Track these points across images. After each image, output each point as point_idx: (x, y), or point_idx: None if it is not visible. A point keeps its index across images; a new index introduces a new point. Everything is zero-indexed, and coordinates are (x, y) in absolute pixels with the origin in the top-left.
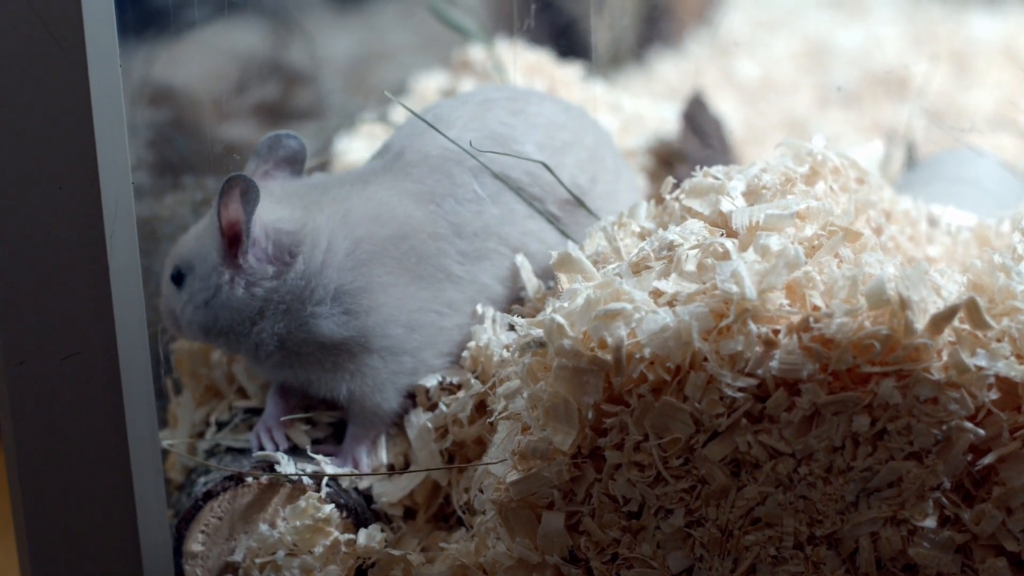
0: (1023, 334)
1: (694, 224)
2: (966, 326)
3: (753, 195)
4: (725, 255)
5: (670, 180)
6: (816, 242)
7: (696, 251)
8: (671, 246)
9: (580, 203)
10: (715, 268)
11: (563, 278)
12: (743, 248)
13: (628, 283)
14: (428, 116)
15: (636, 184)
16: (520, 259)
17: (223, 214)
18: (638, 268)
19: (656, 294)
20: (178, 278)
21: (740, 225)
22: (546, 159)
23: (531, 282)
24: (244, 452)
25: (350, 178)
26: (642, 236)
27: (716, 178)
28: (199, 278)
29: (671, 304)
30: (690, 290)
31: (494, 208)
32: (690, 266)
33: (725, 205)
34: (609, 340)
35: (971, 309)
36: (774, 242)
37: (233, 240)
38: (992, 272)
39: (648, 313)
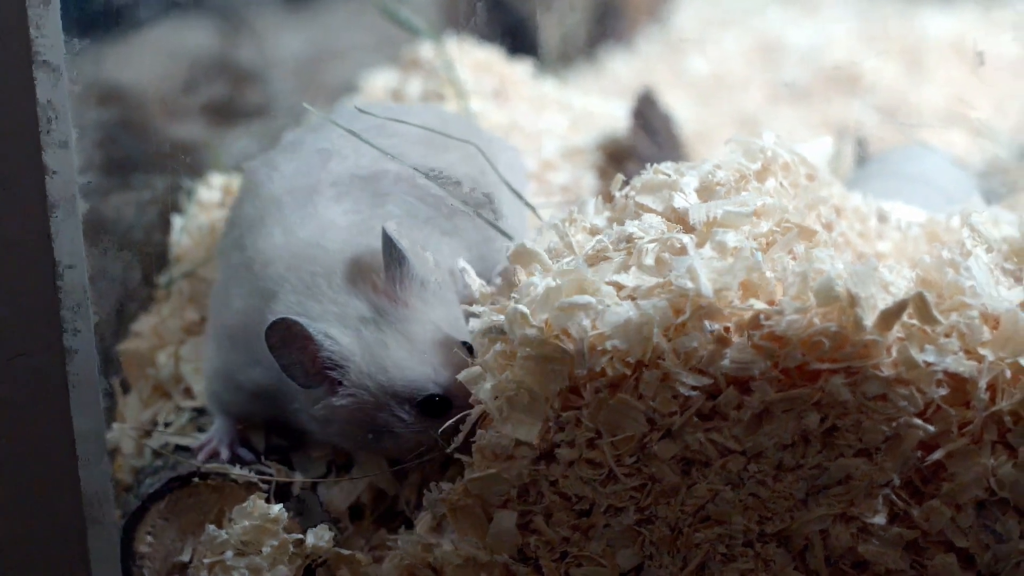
0: (972, 329)
1: (653, 219)
2: (915, 322)
3: (707, 192)
4: (683, 250)
5: (620, 177)
6: (771, 238)
7: (655, 244)
8: (630, 239)
9: (518, 196)
10: (672, 263)
11: (520, 271)
12: (700, 244)
13: (591, 273)
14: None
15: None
16: (462, 262)
17: None
18: (595, 260)
19: (616, 287)
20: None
21: (697, 221)
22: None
23: (475, 282)
24: (191, 452)
25: None
26: (592, 232)
27: (667, 175)
28: None
29: (631, 298)
30: (650, 283)
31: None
32: (649, 260)
33: (679, 201)
34: (573, 330)
35: (919, 305)
36: (731, 239)
37: None
38: (941, 268)
39: (612, 305)
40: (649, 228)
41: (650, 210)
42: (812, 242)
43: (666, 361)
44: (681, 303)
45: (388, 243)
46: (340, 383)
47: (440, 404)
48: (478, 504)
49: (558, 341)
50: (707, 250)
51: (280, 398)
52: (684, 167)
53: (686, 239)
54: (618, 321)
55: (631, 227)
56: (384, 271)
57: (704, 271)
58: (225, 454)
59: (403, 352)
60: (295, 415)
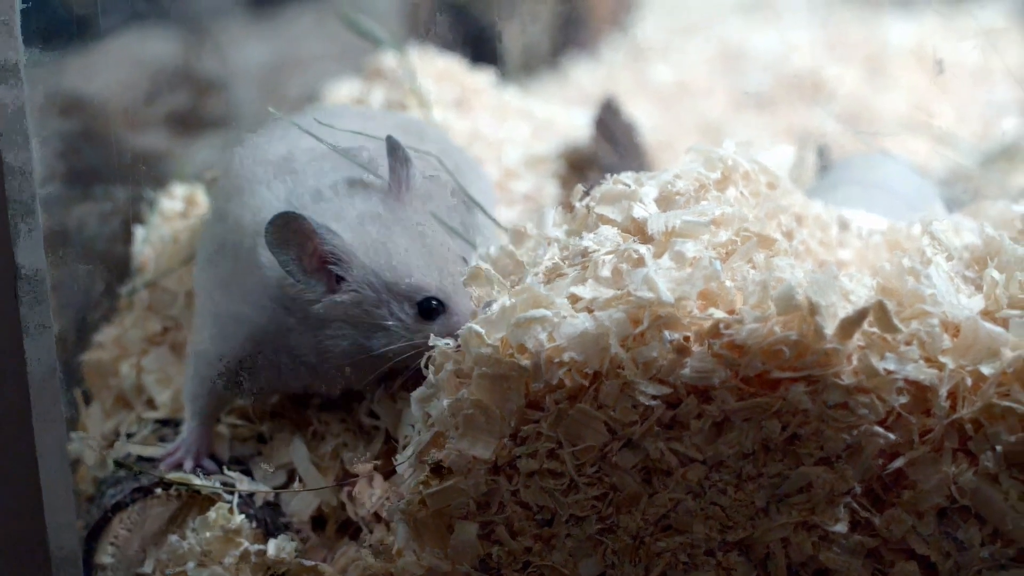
0: (932, 337)
1: (608, 231)
2: (875, 330)
3: (666, 201)
4: (640, 261)
5: (579, 188)
6: (730, 247)
7: (612, 256)
8: (584, 252)
9: (476, 204)
10: (630, 274)
11: (474, 292)
12: (658, 255)
13: (545, 289)
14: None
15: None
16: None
17: None
18: (551, 276)
19: (573, 299)
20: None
21: (656, 231)
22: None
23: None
24: (155, 462)
25: None
26: (548, 244)
27: (627, 185)
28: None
29: (589, 310)
30: (607, 295)
31: None
32: (605, 271)
33: (638, 211)
34: (529, 343)
35: (879, 313)
36: (689, 248)
37: None
38: (901, 276)
39: (567, 317)
40: (605, 240)
41: (609, 220)
42: (772, 251)
43: (625, 371)
44: (639, 313)
45: (393, 147)
46: (341, 279)
47: (436, 309)
48: (438, 516)
49: (514, 358)
50: (665, 260)
51: (276, 335)
52: (644, 176)
53: (643, 249)
54: (574, 333)
55: (586, 241)
56: (390, 174)
57: (662, 281)
58: (189, 465)
59: (411, 251)
60: (289, 353)
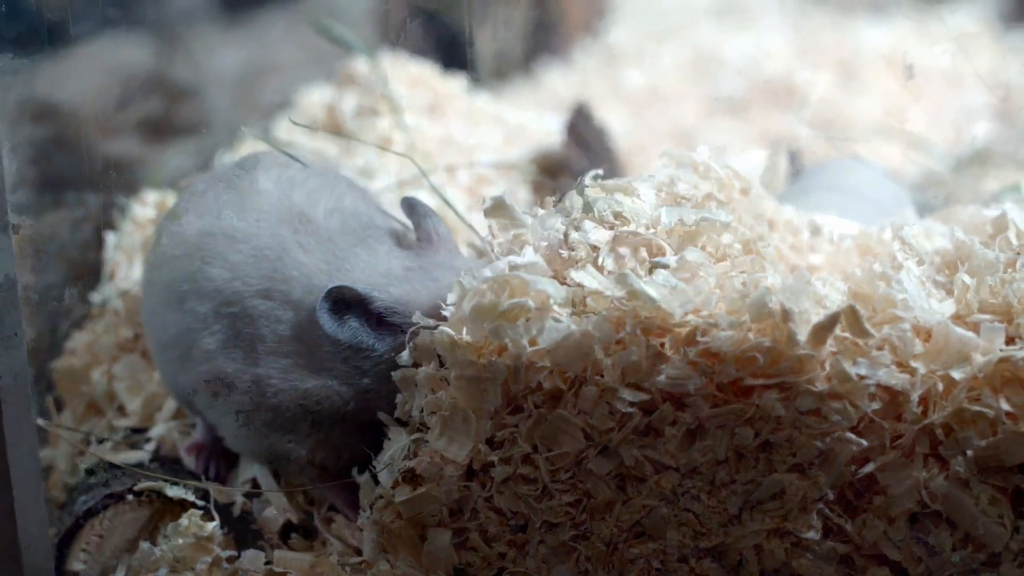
0: (904, 342)
1: (593, 227)
2: (848, 335)
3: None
4: (625, 264)
5: (550, 200)
6: (719, 253)
7: (606, 252)
8: (572, 247)
9: (458, 215)
10: (623, 277)
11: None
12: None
13: (527, 273)
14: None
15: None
16: None
17: None
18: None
19: (561, 282)
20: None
21: (669, 223)
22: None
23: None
24: (124, 469)
25: None
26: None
27: (606, 192)
28: None
29: (574, 305)
30: (601, 290)
31: None
32: (605, 264)
33: (637, 208)
34: (510, 346)
35: (851, 318)
36: (693, 255)
37: None
38: (872, 281)
39: (550, 318)
40: (593, 234)
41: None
42: (754, 259)
43: (605, 377)
44: (622, 318)
45: (413, 205)
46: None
47: None
48: (411, 524)
49: (492, 359)
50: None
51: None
52: (632, 180)
53: (628, 252)
54: (557, 337)
55: (577, 235)
56: (416, 230)
57: (650, 287)
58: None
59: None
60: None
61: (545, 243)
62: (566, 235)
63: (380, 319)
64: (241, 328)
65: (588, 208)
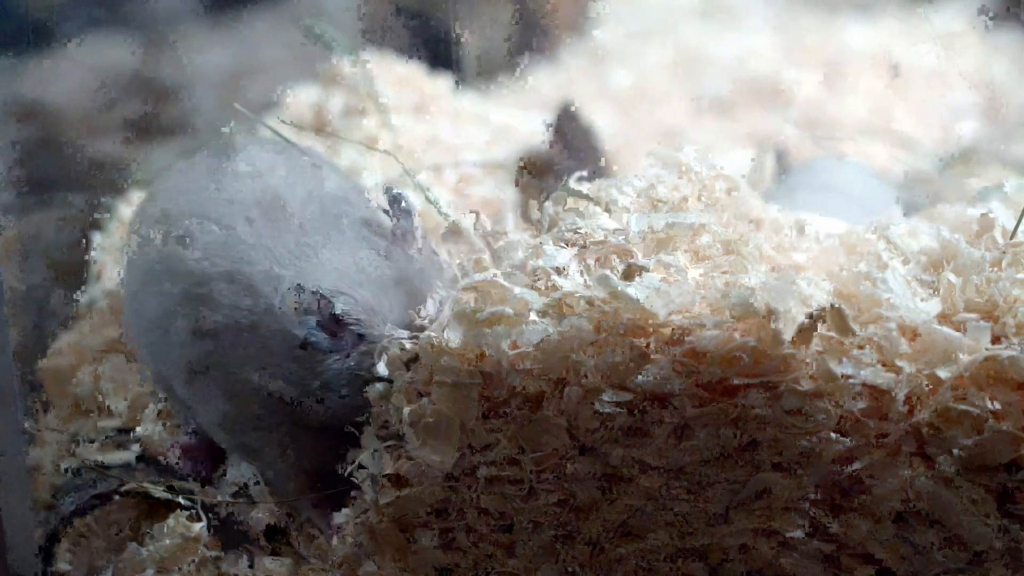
0: (889, 341)
1: (601, 220)
2: (833, 334)
3: (646, 207)
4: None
5: (534, 204)
6: (702, 253)
7: (588, 254)
8: (583, 238)
9: (433, 204)
10: (604, 279)
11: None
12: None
13: (509, 280)
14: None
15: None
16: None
17: None
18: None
19: (538, 290)
20: None
21: (639, 230)
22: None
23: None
24: (110, 470)
25: None
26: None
27: (588, 198)
28: None
29: (554, 308)
30: (581, 292)
31: None
32: (572, 276)
33: (613, 215)
34: (490, 352)
35: (836, 317)
36: (670, 258)
37: None
38: (857, 280)
39: (529, 323)
40: (597, 229)
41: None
42: (736, 258)
43: (588, 378)
44: (603, 319)
45: (395, 199)
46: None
47: None
48: (397, 525)
49: (475, 365)
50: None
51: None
52: (610, 182)
53: (613, 255)
54: (536, 339)
55: (558, 235)
56: (393, 227)
57: (632, 288)
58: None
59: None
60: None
61: (510, 271)
62: (524, 264)
63: (339, 321)
64: (207, 313)
65: (553, 223)
